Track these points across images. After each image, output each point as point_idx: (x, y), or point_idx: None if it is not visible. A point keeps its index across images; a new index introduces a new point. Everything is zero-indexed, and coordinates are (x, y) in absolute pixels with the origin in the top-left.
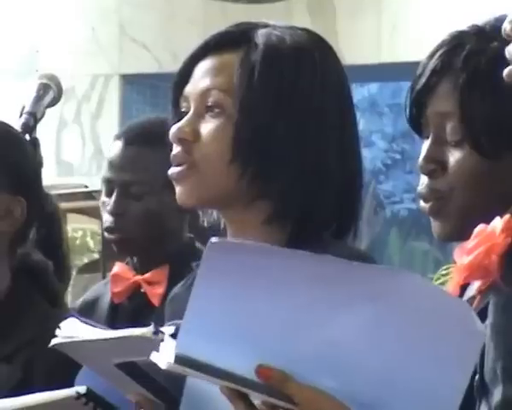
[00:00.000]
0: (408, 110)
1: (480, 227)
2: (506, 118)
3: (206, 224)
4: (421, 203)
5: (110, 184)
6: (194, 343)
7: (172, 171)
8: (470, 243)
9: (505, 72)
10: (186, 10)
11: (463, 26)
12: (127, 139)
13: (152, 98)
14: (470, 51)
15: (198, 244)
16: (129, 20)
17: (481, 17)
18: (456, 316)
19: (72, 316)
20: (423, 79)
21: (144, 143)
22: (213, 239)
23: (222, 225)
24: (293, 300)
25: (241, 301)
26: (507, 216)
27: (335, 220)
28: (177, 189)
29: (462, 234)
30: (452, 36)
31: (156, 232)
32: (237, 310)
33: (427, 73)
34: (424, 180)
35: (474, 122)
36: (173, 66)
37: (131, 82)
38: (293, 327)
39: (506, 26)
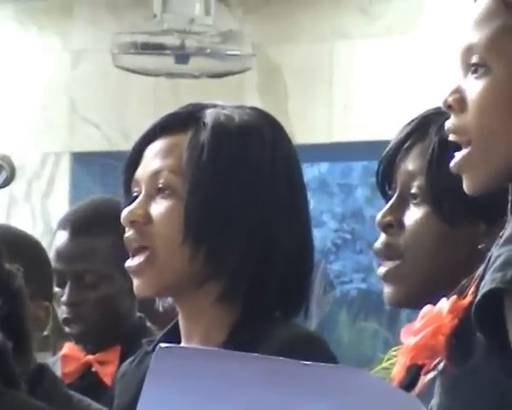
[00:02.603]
0: (378, 169)
1: (427, 308)
2: None
3: (161, 308)
4: (379, 269)
5: (61, 275)
6: None
7: (129, 264)
8: (417, 324)
9: (451, 163)
10: (136, 89)
11: (414, 107)
12: (73, 229)
13: (102, 177)
14: (447, 119)
15: (149, 324)
16: (79, 98)
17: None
18: (403, 408)
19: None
20: (398, 140)
21: (91, 230)
22: (162, 345)
23: (177, 309)
24: (244, 403)
25: (190, 406)
26: (454, 297)
27: (286, 299)
28: (135, 281)
29: (413, 300)
30: (436, 107)
31: (111, 317)
32: None
33: (404, 134)
34: (381, 237)
35: (439, 186)
36: (124, 145)
37: (82, 160)
38: None
39: (448, 99)
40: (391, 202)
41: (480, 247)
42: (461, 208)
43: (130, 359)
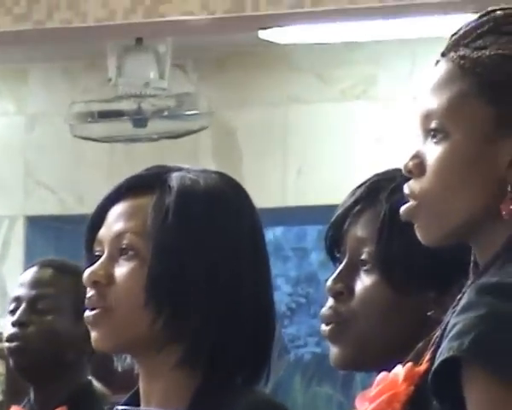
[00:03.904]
0: (327, 233)
1: (383, 374)
2: (420, 256)
3: (120, 369)
4: (322, 327)
5: (18, 302)
6: None
7: (87, 315)
8: (372, 391)
9: (401, 209)
10: (91, 153)
11: (368, 171)
12: (42, 263)
13: (56, 241)
14: (397, 185)
15: (97, 387)
16: (34, 162)
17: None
18: None
19: None
20: (348, 205)
21: (57, 268)
22: (119, 407)
23: (135, 371)
24: None
25: None
26: (409, 364)
27: (248, 365)
28: (92, 334)
29: (359, 364)
30: (385, 171)
31: (55, 356)
32: None
33: (353, 199)
34: (329, 302)
35: (389, 253)
36: (78, 208)
37: (36, 224)
38: None
39: (408, 164)
40: (340, 268)
41: (429, 314)
42: (411, 277)
43: None
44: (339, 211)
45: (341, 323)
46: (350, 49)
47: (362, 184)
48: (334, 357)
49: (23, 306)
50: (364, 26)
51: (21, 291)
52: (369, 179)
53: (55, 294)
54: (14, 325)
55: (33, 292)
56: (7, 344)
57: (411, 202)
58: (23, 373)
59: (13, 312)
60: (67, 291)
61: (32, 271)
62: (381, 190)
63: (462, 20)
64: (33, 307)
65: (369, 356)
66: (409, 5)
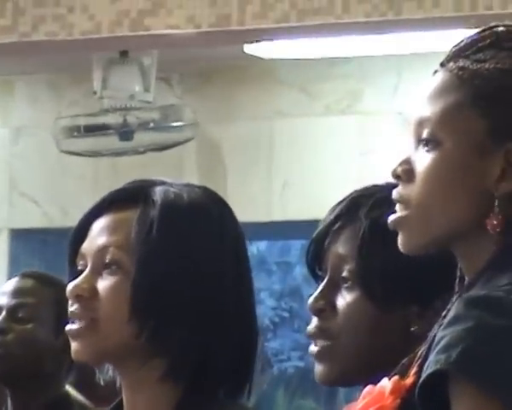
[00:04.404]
0: (308, 250)
1: (369, 388)
2: (402, 272)
3: (101, 382)
4: (311, 347)
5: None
6: None
7: (69, 327)
8: (359, 404)
9: (389, 218)
10: (76, 166)
11: (353, 186)
12: (24, 274)
13: (41, 253)
14: (376, 201)
15: (77, 397)
16: (19, 174)
17: (377, 178)
18: None
19: None
20: (328, 221)
21: (39, 278)
22: None
23: (118, 384)
24: None
25: None
26: (395, 377)
27: (231, 378)
28: (73, 345)
29: (345, 380)
30: (365, 186)
31: (34, 364)
32: None
33: (333, 216)
34: (314, 320)
35: (370, 270)
36: (63, 221)
37: (20, 236)
38: None
39: (397, 169)
40: (322, 286)
41: (412, 329)
42: (393, 292)
43: None
44: (319, 228)
45: (327, 339)
46: (335, 64)
47: (342, 201)
48: (319, 374)
49: (3, 314)
50: (350, 42)
51: (2, 300)
52: (348, 196)
53: (36, 303)
54: None
55: (14, 301)
56: None
57: (400, 212)
58: (1, 379)
59: None
60: (48, 302)
61: (14, 281)
62: (361, 207)
63: (446, 35)
64: (14, 316)
65: (355, 372)
66: (394, 21)
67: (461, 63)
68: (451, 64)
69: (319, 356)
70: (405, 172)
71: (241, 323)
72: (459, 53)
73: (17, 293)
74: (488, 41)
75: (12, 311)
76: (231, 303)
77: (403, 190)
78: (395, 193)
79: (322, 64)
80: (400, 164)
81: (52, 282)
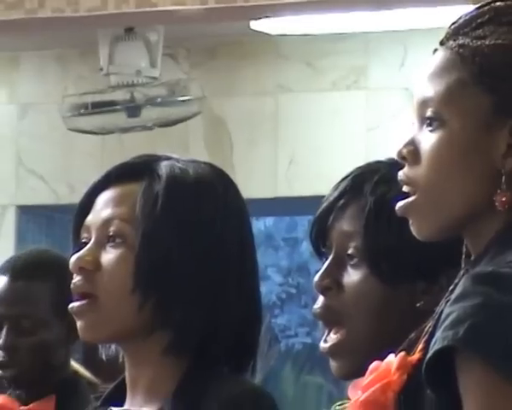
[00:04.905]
0: (312, 227)
1: (375, 363)
2: (408, 247)
3: (104, 357)
4: (321, 344)
5: None
6: None
7: (73, 305)
8: (365, 380)
9: (397, 205)
10: (83, 142)
11: (359, 161)
12: (13, 273)
13: (48, 230)
14: (381, 177)
15: (85, 375)
16: (26, 151)
17: (382, 154)
18: None
19: None
20: (332, 198)
21: (30, 276)
22: (113, 408)
23: (120, 359)
24: None
25: None
26: (402, 353)
27: (234, 354)
28: (79, 324)
29: (361, 371)
30: (368, 163)
31: (46, 364)
32: None
33: (337, 193)
34: (320, 299)
35: (377, 246)
36: (70, 198)
37: (28, 213)
38: None
39: (402, 150)
40: (327, 263)
41: (418, 305)
42: (399, 268)
43: None
44: (323, 205)
45: (335, 326)
46: (341, 39)
47: (345, 178)
48: (336, 370)
49: (6, 327)
50: (355, 17)
51: (1, 310)
52: (351, 173)
53: (37, 308)
54: (2, 349)
55: (14, 311)
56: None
57: (408, 198)
58: (12, 384)
59: None
60: (46, 296)
61: (5, 284)
62: (365, 183)
63: (452, 11)
64: (18, 328)
65: (368, 357)
66: None
67: (460, 41)
68: (451, 42)
69: (331, 353)
70: (411, 154)
71: (244, 298)
72: (458, 30)
73: (15, 301)
74: (487, 17)
75: (14, 323)
76: (235, 279)
77: (409, 172)
78: (402, 175)
79: (327, 40)
80: (405, 145)
81: (43, 271)
